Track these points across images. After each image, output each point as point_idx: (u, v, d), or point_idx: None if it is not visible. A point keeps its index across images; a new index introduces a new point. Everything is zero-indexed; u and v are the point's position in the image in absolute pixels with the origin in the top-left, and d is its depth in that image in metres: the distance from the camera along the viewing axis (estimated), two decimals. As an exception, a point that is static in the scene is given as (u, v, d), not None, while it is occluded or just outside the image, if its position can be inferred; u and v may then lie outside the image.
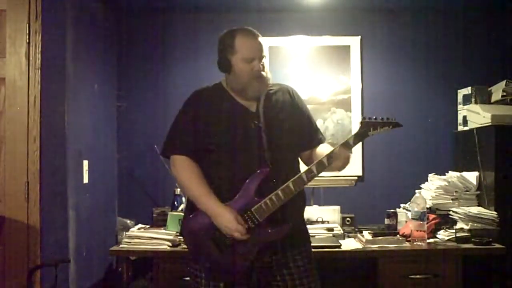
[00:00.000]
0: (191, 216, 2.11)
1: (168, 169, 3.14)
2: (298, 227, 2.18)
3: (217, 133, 2.10)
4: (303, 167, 2.16)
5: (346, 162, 2.04)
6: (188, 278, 2.41)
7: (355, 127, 3.51)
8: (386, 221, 3.12)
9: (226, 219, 2.00)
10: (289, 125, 2.17)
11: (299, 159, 2.28)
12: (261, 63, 2.12)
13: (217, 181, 2.09)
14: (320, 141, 2.27)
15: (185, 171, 2.11)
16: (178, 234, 2.87)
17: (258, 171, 2.03)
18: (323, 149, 2.18)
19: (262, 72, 2.12)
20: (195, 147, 2.12)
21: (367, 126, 2.02)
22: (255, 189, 2.02)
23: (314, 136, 2.27)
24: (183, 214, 2.97)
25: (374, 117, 2.03)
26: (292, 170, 2.12)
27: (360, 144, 3.47)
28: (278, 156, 2.10)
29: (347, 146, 2.02)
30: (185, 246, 2.74)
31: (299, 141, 2.21)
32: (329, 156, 2.01)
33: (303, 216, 2.26)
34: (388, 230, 3.05)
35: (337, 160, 2.01)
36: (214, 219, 2.03)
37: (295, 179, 2.01)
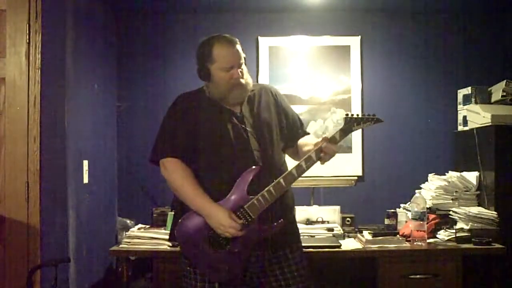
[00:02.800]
0: (184, 217, 2.11)
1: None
2: (290, 225, 2.21)
3: (205, 135, 2.12)
4: (290, 163, 2.23)
5: (332, 155, 2.10)
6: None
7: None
8: (386, 221, 3.12)
9: (220, 217, 2.01)
10: (274, 124, 2.22)
11: (287, 153, 2.34)
12: (240, 69, 2.14)
13: (208, 182, 2.11)
14: (302, 133, 2.34)
15: (177, 173, 2.11)
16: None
17: (249, 169, 2.06)
18: (307, 140, 2.26)
19: (241, 80, 2.14)
20: (185, 149, 2.13)
21: (350, 122, 2.12)
22: (247, 187, 2.05)
23: (298, 132, 2.33)
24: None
25: (357, 114, 2.15)
26: (281, 167, 2.17)
27: (360, 144, 3.52)
28: (266, 154, 2.13)
29: (333, 141, 2.09)
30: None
31: (285, 139, 2.26)
32: (318, 151, 2.07)
33: (294, 216, 2.29)
34: (388, 230, 3.05)
35: (325, 154, 2.08)
36: (207, 219, 2.04)
37: (286, 175, 2.06)
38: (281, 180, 2.05)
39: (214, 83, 2.16)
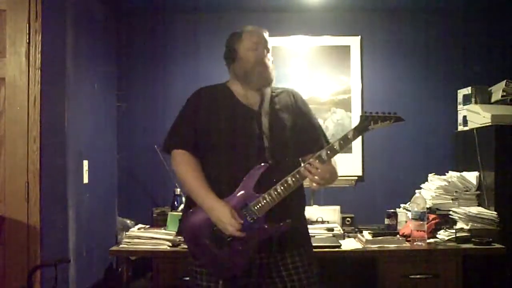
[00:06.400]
0: (190, 211, 2.11)
1: (168, 168, 3.16)
2: (298, 227, 2.17)
3: (218, 130, 2.11)
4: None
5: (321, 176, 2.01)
6: (188, 278, 2.41)
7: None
8: (386, 221, 3.12)
9: (220, 212, 1.99)
10: (290, 127, 2.17)
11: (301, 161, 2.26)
12: (266, 52, 2.18)
13: (217, 177, 2.09)
14: (322, 146, 2.21)
15: (184, 165, 2.12)
16: (176, 233, 2.88)
17: (257, 166, 2.04)
18: None
19: (266, 60, 2.17)
20: (196, 143, 2.13)
21: (367, 120, 2.02)
22: (254, 185, 2.03)
23: (315, 142, 2.22)
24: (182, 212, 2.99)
25: (376, 112, 2.03)
26: (294, 168, 2.08)
27: (360, 144, 3.51)
28: (278, 155, 2.10)
29: (346, 140, 2.02)
30: (185, 246, 2.75)
31: (300, 144, 2.20)
32: (328, 150, 2.01)
33: (303, 216, 2.25)
34: (388, 230, 3.05)
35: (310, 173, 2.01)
36: (209, 214, 2.03)
37: (294, 174, 2.01)
38: (289, 179, 2.01)
39: (240, 61, 2.17)
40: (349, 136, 2.02)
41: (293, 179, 2.01)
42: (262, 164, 2.04)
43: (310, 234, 2.30)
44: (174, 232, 2.88)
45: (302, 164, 2.05)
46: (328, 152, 2.01)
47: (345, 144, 2.02)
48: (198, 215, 2.08)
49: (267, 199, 2.01)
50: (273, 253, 2.09)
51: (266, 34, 2.22)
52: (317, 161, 2.00)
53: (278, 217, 2.03)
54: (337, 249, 2.79)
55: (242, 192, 2.04)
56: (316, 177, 2.00)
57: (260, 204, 2.01)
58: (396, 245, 2.82)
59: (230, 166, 2.08)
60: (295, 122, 2.20)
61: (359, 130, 2.03)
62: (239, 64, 2.18)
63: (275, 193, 2.00)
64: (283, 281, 2.09)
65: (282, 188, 2.01)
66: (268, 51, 2.20)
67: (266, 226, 2.03)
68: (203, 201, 2.06)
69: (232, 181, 2.06)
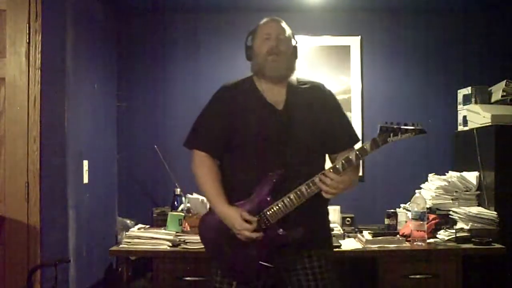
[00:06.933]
0: (206, 213, 2.15)
1: (168, 169, 3.16)
2: (317, 230, 2.12)
3: (240, 131, 2.09)
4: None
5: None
6: (188, 278, 2.40)
7: (355, 127, 3.50)
8: (386, 221, 3.13)
9: (233, 219, 1.99)
10: (316, 125, 2.12)
11: (329, 159, 2.23)
12: (279, 41, 2.11)
13: (234, 180, 2.09)
14: (349, 144, 2.18)
15: (201, 169, 2.12)
16: (177, 234, 2.88)
17: (274, 172, 2.00)
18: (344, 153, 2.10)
19: (281, 48, 2.10)
20: (216, 145, 2.12)
21: (387, 132, 1.94)
22: (268, 191, 1.99)
23: (343, 140, 2.18)
24: (183, 214, 3.01)
25: (397, 123, 1.94)
26: (315, 170, 2.01)
27: (360, 144, 3.49)
28: (300, 156, 2.06)
29: (363, 152, 1.96)
30: (185, 246, 2.77)
31: (325, 142, 2.15)
32: (345, 161, 1.96)
33: (323, 219, 2.20)
34: (388, 230, 3.05)
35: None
36: (223, 220, 2.04)
37: (308, 183, 1.97)
38: (303, 188, 1.96)
39: (255, 56, 2.15)
40: (366, 148, 1.96)
41: (307, 188, 1.97)
42: (278, 171, 2.00)
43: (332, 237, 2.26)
44: (174, 232, 2.89)
45: (329, 165, 2.02)
46: (344, 162, 1.96)
47: (362, 155, 1.97)
48: (215, 216, 2.08)
49: (280, 206, 1.98)
50: (289, 257, 2.06)
51: (281, 24, 2.16)
52: (332, 172, 1.96)
53: (292, 222, 2.00)
54: (337, 249, 2.78)
55: (256, 197, 2.02)
56: (329, 188, 1.96)
57: (273, 211, 1.99)
58: (396, 245, 2.82)
59: (248, 169, 2.06)
60: (322, 119, 2.13)
61: (378, 143, 1.95)
62: (254, 60, 2.16)
63: (288, 200, 1.98)
64: (300, 285, 2.07)
65: (295, 196, 1.97)
66: (282, 41, 2.11)
67: (279, 232, 2.00)
68: (216, 207, 2.07)
69: (249, 185, 2.04)
